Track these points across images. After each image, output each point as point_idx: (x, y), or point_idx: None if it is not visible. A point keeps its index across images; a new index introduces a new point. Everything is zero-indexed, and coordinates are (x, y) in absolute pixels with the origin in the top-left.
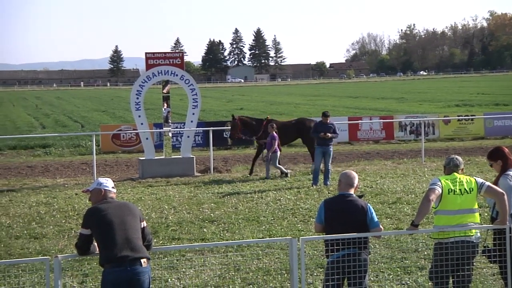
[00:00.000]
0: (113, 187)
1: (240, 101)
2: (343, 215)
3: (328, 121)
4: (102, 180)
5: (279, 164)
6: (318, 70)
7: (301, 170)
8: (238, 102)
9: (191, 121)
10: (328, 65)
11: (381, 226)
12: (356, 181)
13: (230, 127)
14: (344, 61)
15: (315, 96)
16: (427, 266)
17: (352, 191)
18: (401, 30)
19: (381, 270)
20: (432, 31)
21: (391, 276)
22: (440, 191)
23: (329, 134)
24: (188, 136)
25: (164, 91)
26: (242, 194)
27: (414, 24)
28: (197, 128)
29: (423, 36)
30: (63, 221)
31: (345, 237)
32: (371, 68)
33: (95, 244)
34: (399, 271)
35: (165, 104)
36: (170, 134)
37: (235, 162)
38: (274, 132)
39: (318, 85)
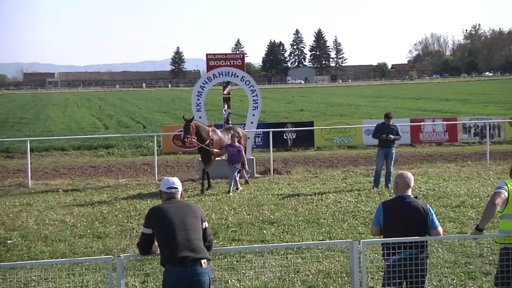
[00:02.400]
0: (178, 187)
1: (300, 103)
2: (403, 217)
3: (391, 122)
4: (169, 179)
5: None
6: (379, 71)
7: (362, 172)
8: (298, 104)
9: (251, 122)
10: (390, 66)
11: (440, 228)
12: (412, 182)
13: (183, 131)
14: (406, 62)
15: (377, 98)
16: (493, 271)
17: (409, 192)
18: (466, 30)
19: (444, 275)
20: (499, 31)
21: (454, 281)
22: (506, 195)
23: (392, 136)
24: (249, 137)
25: (225, 92)
26: (302, 196)
27: (479, 24)
28: (257, 130)
29: (488, 36)
30: (125, 221)
31: (406, 240)
32: (434, 69)
33: (156, 244)
34: (463, 276)
35: (226, 105)
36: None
37: (295, 164)
38: (237, 142)
39: (379, 86)
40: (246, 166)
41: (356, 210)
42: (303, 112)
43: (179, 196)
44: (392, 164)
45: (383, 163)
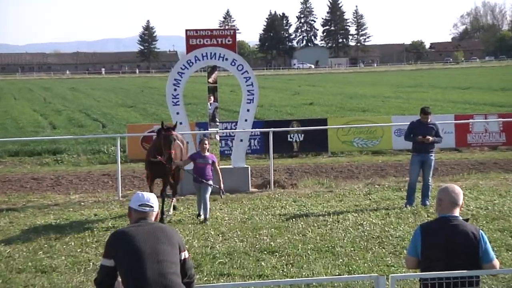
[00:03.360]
0: (154, 206)
1: (310, 94)
2: (447, 246)
3: (429, 120)
4: (143, 194)
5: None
6: (414, 52)
7: (390, 185)
8: (307, 95)
9: (246, 120)
10: (428, 46)
11: (497, 261)
12: (461, 199)
13: (164, 144)
14: (450, 40)
15: (410, 87)
16: None
17: (457, 213)
18: None
19: None
20: None
21: None
22: None
23: (430, 138)
24: (242, 140)
25: (210, 80)
26: (312, 216)
27: None
28: (254, 129)
29: None
30: (79, 250)
31: (451, 275)
32: (487, 48)
33: (120, 280)
34: None
35: (211, 98)
36: (218, 137)
37: (303, 174)
38: (207, 151)
39: (414, 72)
40: (222, 184)
41: (384, 236)
42: (313, 106)
43: (153, 218)
44: (431, 174)
45: (418, 174)
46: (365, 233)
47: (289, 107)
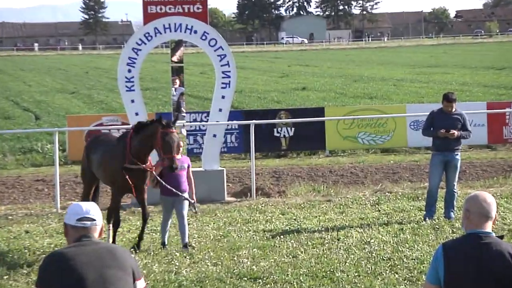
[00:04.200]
0: (96, 218)
1: (302, 76)
2: (478, 271)
3: (454, 109)
4: (80, 206)
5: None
6: (435, 22)
7: (405, 193)
8: (298, 78)
9: (219, 110)
10: (453, 14)
11: None
12: (495, 210)
13: (169, 146)
14: (481, 7)
15: (430, 68)
16: None
17: (489, 228)
18: None
19: None
20: None
21: None
22: None
23: (455, 132)
24: (215, 135)
25: (175, 59)
26: (306, 233)
27: None
28: (231, 122)
29: None
30: (5, 277)
31: None
32: None
33: None
34: None
35: (176, 82)
36: (185, 132)
37: (294, 179)
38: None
39: (435, 47)
40: (194, 196)
41: (397, 257)
42: (306, 92)
43: (96, 234)
44: (457, 179)
45: (441, 178)
46: (373, 254)
47: (275, 93)
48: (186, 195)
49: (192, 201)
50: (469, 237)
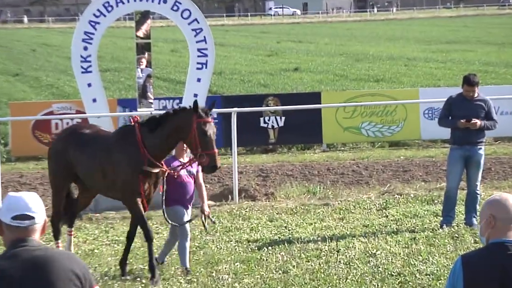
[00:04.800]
0: (36, 215)
1: (294, 55)
2: (504, 286)
3: (476, 94)
4: (17, 198)
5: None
6: None
7: (418, 195)
8: (289, 57)
9: (195, 95)
10: None
11: None
12: None
13: (209, 138)
14: None
15: (449, 44)
16: None
17: None
18: None
19: None
20: None
21: None
22: None
23: (478, 121)
24: None
25: (140, 34)
26: (299, 243)
27: None
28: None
29: None
30: None
31: None
32: None
33: None
34: None
35: (143, 61)
36: None
37: (284, 179)
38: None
39: (454, 20)
40: (206, 207)
41: (408, 272)
42: (299, 74)
43: (37, 235)
44: (480, 178)
45: (461, 177)
46: (380, 269)
47: (262, 75)
48: (189, 211)
49: (207, 213)
50: (493, 248)
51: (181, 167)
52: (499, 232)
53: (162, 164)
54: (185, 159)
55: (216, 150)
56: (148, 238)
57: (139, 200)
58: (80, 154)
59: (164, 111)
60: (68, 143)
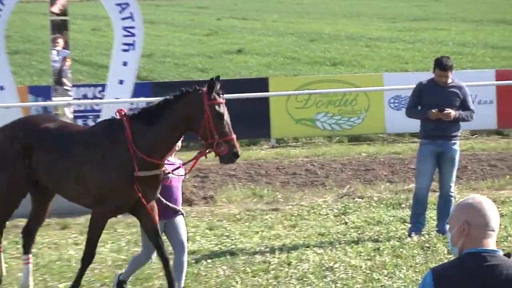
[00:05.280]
0: None
1: (237, 34)
2: None
3: (449, 80)
4: None
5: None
6: None
7: (382, 198)
8: (231, 37)
9: (120, 82)
10: None
11: None
12: (497, 221)
13: (225, 121)
14: None
15: (417, 22)
16: None
17: (493, 245)
18: None
19: None
20: None
21: None
22: None
23: (452, 111)
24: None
25: (55, 9)
26: (243, 255)
27: None
28: (136, 99)
29: None
30: None
31: None
32: None
33: None
34: None
35: (59, 42)
36: (70, 113)
37: (226, 180)
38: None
39: None
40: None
41: None
42: (243, 56)
43: None
44: (454, 177)
45: (432, 177)
46: (338, 285)
47: (199, 58)
48: (178, 219)
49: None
50: (468, 259)
51: (193, 162)
52: (474, 240)
53: (163, 164)
54: (173, 158)
55: (235, 137)
56: (86, 262)
57: (105, 219)
58: (47, 154)
59: (161, 99)
60: (28, 141)
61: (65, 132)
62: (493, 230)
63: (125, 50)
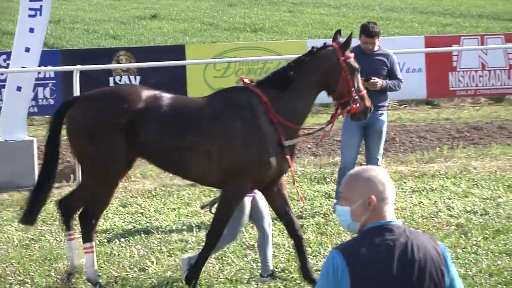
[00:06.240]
0: None
1: None
2: (398, 279)
3: (376, 48)
4: None
5: None
6: None
7: (306, 172)
8: (145, 1)
9: (27, 50)
10: None
11: None
12: (394, 192)
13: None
14: None
15: None
16: None
17: (393, 215)
18: None
19: None
20: None
21: None
22: None
23: (379, 81)
24: (19, 88)
25: None
26: (159, 233)
27: None
28: (44, 68)
29: None
30: None
31: None
32: None
33: None
34: None
35: None
36: None
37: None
38: None
39: None
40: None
41: (294, 268)
42: (157, 22)
43: None
44: (382, 150)
45: (358, 149)
46: (259, 263)
47: (111, 24)
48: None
49: None
50: (375, 233)
51: (330, 124)
52: (377, 215)
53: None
54: None
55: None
56: (213, 243)
57: (243, 197)
58: (162, 129)
59: (290, 63)
60: (136, 114)
61: (181, 104)
62: (391, 201)
63: (31, 16)
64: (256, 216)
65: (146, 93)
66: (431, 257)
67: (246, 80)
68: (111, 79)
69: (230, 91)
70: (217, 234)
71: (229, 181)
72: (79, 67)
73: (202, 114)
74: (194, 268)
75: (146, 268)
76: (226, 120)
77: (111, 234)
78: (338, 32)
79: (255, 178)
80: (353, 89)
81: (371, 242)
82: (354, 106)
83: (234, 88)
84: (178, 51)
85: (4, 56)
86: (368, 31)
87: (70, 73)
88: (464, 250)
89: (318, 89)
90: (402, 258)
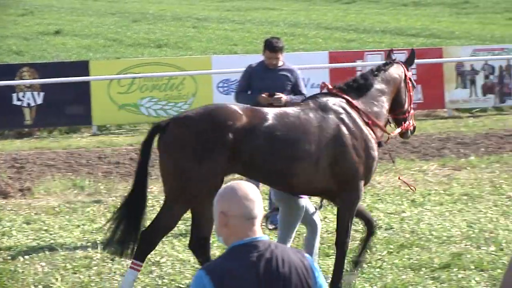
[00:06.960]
0: None
1: (55, 14)
2: None
3: (280, 63)
4: None
5: None
6: None
7: None
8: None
9: None
10: None
11: None
12: (259, 207)
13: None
14: None
15: (246, 1)
16: None
17: (260, 231)
18: None
19: None
20: None
21: None
22: None
23: (283, 96)
24: None
25: None
26: (63, 250)
27: None
28: None
29: None
30: None
31: None
32: None
33: None
34: None
35: None
36: None
37: (44, 170)
38: None
39: None
40: None
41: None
42: (61, 38)
43: None
44: None
45: None
46: (165, 280)
47: (14, 40)
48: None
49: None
50: (239, 251)
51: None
52: (238, 232)
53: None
54: None
55: None
56: (344, 253)
57: (360, 200)
58: (269, 141)
59: (366, 71)
60: (243, 129)
61: (282, 115)
62: (254, 218)
63: None
64: (305, 216)
65: (243, 109)
66: (295, 271)
67: (330, 86)
68: (14, 95)
69: (321, 97)
70: (345, 241)
71: (345, 187)
72: None
73: (306, 123)
74: (335, 278)
75: (51, 285)
76: (330, 125)
77: (15, 251)
78: (391, 51)
79: (367, 181)
80: (408, 106)
81: (237, 260)
82: (408, 123)
83: (321, 94)
84: (82, 67)
85: None
86: (271, 46)
87: None
88: (369, 264)
89: (390, 99)
90: (267, 274)
